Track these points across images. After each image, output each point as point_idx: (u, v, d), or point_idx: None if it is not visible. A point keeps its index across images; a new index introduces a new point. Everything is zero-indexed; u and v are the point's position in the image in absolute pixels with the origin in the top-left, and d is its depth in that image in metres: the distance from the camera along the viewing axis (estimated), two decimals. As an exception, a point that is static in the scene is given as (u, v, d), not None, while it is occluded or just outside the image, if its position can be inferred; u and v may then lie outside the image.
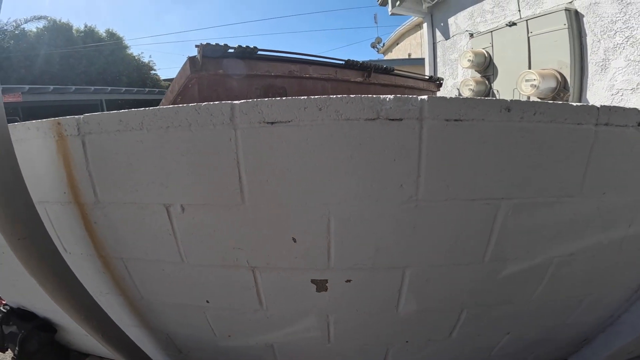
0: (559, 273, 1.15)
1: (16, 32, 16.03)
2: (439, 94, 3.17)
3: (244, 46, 1.31)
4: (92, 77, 17.35)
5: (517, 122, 0.83)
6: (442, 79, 3.13)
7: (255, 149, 0.88)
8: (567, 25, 1.77)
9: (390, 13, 3.86)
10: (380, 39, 14.85)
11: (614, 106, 0.89)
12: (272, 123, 0.86)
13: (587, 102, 1.73)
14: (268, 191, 0.91)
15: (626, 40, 1.58)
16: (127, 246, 1.13)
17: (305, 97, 0.81)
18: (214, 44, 1.27)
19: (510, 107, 0.82)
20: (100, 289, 1.30)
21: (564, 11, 1.80)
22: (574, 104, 0.86)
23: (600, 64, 1.68)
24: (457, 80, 2.85)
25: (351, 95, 0.81)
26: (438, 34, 3.50)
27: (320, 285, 1.10)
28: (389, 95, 0.80)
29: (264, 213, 0.94)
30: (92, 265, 1.24)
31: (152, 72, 22.06)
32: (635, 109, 0.92)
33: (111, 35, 19.16)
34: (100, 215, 1.07)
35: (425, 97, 0.80)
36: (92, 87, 13.65)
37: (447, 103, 0.80)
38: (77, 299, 1.14)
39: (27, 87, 11.53)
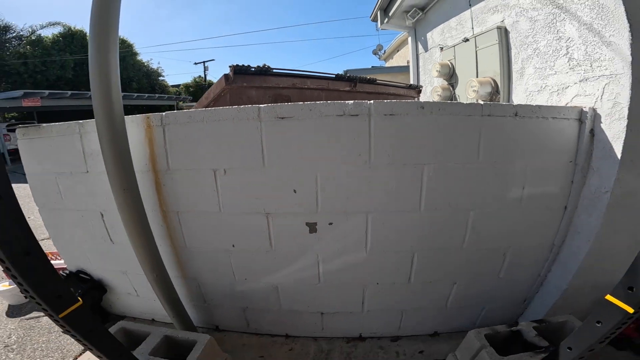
0: (477, 224, 1.64)
1: (32, 37, 16.45)
2: (420, 99, 3.71)
3: (261, 66, 1.88)
4: (104, 83, 17.99)
5: (429, 115, 1.39)
6: (422, 87, 3.69)
7: (272, 133, 1.44)
8: (498, 41, 2.25)
9: (380, 28, 4.45)
10: (382, 46, 15.29)
11: (494, 103, 1.44)
12: (282, 118, 1.42)
13: (512, 102, 2.22)
14: (279, 159, 1.47)
15: (534, 51, 2.01)
16: (183, 201, 1.68)
17: (302, 102, 1.37)
18: (241, 64, 1.85)
19: (424, 105, 1.37)
20: (158, 241, 1.75)
21: (496, 29, 2.31)
22: (466, 102, 1.41)
23: (519, 71, 2.11)
24: (433, 87, 3.40)
25: (328, 101, 1.37)
26: (420, 46, 4.07)
27: (312, 227, 1.63)
28: (350, 101, 1.36)
29: (277, 173, 1.49)
30: (156, 219, 1.77)
31: (161, 78, 22.83)
32: (510, 105, 1.46)
33: (122, 42, 19.90)
34: (168, 179, 1.63)
35: (372, 101, 1.36)
36: (89, 93, 14.14)
37: (384, 104, 1.36)
38: (149, 245, 1.61)
39: (47, 92, 12.22)
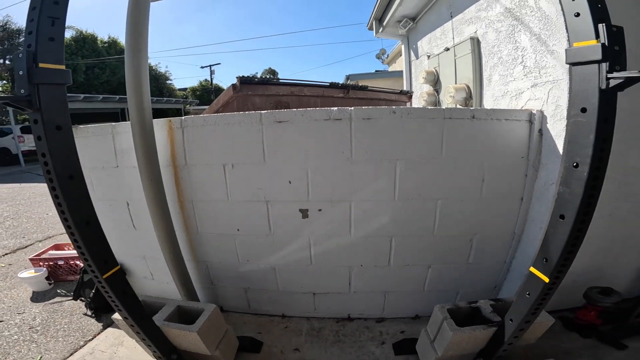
0: (444, 212, 1.90)
1: None
2: (411, 103, 4.01)
3: (263, 77, 2.19)
4: (114, 86, 18.39)
5: (399, 118, 1.69)
6: (412, 92, 3.99)
7: (271, 134, 1.76)
8: (471, 50, 2.47)
9: (375, 37, 4.76)
10: (384, 50, 15.46)
11: (454, 107, 1.74)
12: (280, 122, 1.74)
13: (484, 106, 2.48)
14: (277, 155, 1.79)
15: (499, 60, 2.22)
16: (197, 191, 2.00)
17: (296, 109, 1.69)
18: (246, 76, 2.19)
19: (395, 111, 1.68)
20: (175, 227, 2.03)
21: (469, 40, 2.55)
22: (431, 108, 1.71)
23: (488, 78, 2.32)
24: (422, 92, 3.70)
25: (317, 108, 1.68)
26: (412, 54, 4.37)
27: (304, 213, 1.93)
28: (334, 108, 1.67)
29: (275, 167, 1.81)
30: (173, 208, 2.06)
31: (168, 81, 23.36)
32: (468, 109, 1.76)
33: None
34: (186, 173, 1.95)
35: (352, 107, 1.67)
36: (117, 96, 14.67)
37: (363, 110, 1.67)
38: (169, 230, 1.92)
39: (61, 95, 12.69)
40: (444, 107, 1.70)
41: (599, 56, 0.96)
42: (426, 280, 2.11)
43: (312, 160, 1.78)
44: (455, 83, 2.70)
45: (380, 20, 4.63)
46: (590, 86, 1.01)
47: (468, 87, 2.53)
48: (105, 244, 1.32)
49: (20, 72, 1.00)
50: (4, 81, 17.44)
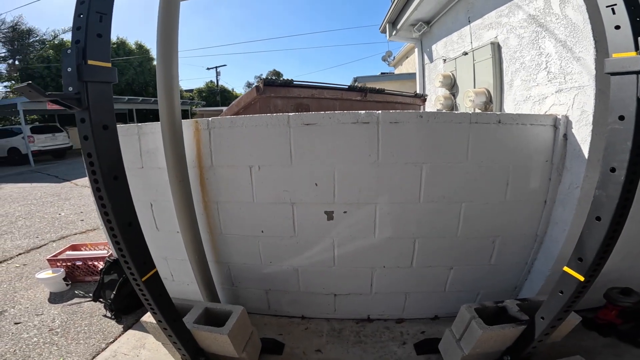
0: (468, 215, 1.92)
1: (55, 41, 17.02)
2: (425, 107, 4.02)
3: (286, 79, 2.24)
4: (122, 87, 18.61)
5: (426, 123, 1.71)
6: (427, 95, 4.00)
7: (298, 137, 1.78)
8: (491, 55, 2.48)
9: (388, 40, 4.79)
10: (391, 52, 15.49)
11: (480, 112, 1.75)
12: (307, 124, 1.76)
13: (504, 111, 2.48)
14: (304, 158, 1.81)
15: (521, 65, 2.23)
16: (222, 193, 2.02)
17: (323, 112, 1.72)
18: (269, 77, 2.18)
19: (422, 115, 1.70)
20: (199, 228, 2.08)
21: (489, 45, 2.56)
22: (457, 112, 1.72)
23: (509, 83, 2.33)
24: (437, 96, 3.72)
25: (344, 111, 1.70)
26: (425, 57, 4.39)
27: (329, 215, 1.95)
28: (362, 111, 1.69)
29: (301, 169, 1.83)
30: (198, 208, 2.08)
31: (175, 82, 23.51)
32: (494, 113, 1.77)
33: (140, 47, 20.65)
34: (211, 174, 1.98)
35: (380, 111, 1.69)
36: (126, 97, 14.84)
37: (390, 114, 1.69)
38: (194, 231, 1.93)
39: (71, 96, 12.83)
40: (470, 112, 1.72)
41: (637, 67, 0.99)
42: (447, 280, 2.12)
43: (338, 162, 1.80)
44: (474, 87, 2.71)
45: (394, 23, 4.66)
46: (628, 95, 1.04)
47: (488, 91, 2.54)
48: (145, 246, 1.32)
49: (69, 69, 0.98)
50: (12, 81, 17.64)
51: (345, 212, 1.92)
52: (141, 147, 2.08)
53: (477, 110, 2.56)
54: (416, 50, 4.59)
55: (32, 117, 18.20)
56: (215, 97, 26.10)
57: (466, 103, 2.60)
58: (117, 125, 2.18)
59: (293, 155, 1.81)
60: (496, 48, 2.54)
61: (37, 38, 17.22)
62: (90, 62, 1.00)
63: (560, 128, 1.83)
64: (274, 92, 2.29)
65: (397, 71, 13.95)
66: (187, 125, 1.92)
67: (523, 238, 2.04)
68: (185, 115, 19.47)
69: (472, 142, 1.77)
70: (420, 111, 1.66)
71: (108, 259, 2.55)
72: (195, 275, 2.06)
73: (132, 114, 16.92)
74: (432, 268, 2.08)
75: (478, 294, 2.21)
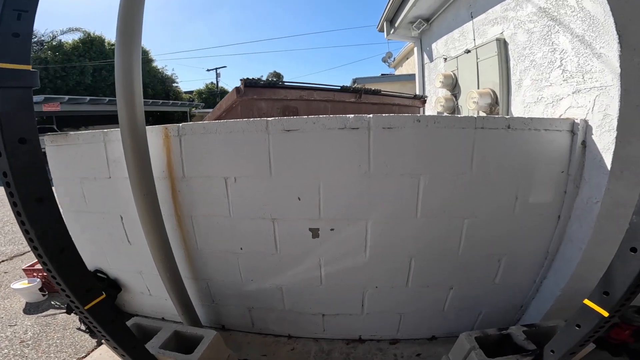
0: (472, 232, 1.71)
1: (53, 43, 16.82)
2: (424, 109, 3.80)
3: (270, 79, 2.00)
4: (120, 90, 18.57)
5: (424, 128, 1.49)
6: (427, 97, 3.77)
7: (279, 144, 1.56)
8: (497, 52, 2.28)
9: (386, 39, 4.57)
10: (391, 53, 15.34)
11: (487, 116, 1.53)
12: (288, 131, 1.54)
13: (512, 114, 2.25)
14: (285, 169, 1.59)
15: (530, 63, 2.03)
16: (196, 206, 1.81)
17: (306, 116, 1.49)
18: (251, 78, 1.99)
19: (420, 119, 1.47)
20: (172, 244, 1.86)
21: (495, 41, 2.35)
22: (459, 115, 1.50)
23: (518, 83, 2.13)
24: (437, 97, 3.49)
25: (330, 116, 1.48)
26: (425, 57, 4.16)
27: (314, 233, 1.73)
28: (351, 115, 1.47)
29: (283, 182, 1.61)
30: (170, 223, 1.89)
31: (175, 84, 23.44)
32: (502, 117, 1.55)
33: (139, 49, 20.51)
34: (184, 185, 1.76)
35: (371, 115, 1.47)
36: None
37: (382, 118, 1.47)
38: (165, 248, 1.74)
39: (66, 97, 12.75)
40: (475, 115, 1.49)
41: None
42: (447, 300, 1.94)
43: (324, 174, 1.58)
44: (478, 88, 2.49)
45: (391, 21, 4.44)
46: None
47: (493, 92, 2.31)
48: (85, 271, 1.14)
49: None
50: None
51: (332, 229, 1.70)
52: (107, 155, 1.87)
53: (482, 113, 2.34)
54: (415, 49, 4.37)
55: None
56: (215, 98, 25.95)
57: (469, 105, 2.38)
58: (82, 132, 2.00)
59: (273, 166, 1.59)
60: (502, 44, 2.31)
61: (36, 39, 17.10)
62: (1, 65, 0.83)
63: (578, 134, 1.60)
64: (257, 93, 2.07)
65: (397, 72, 13.79)
66: (155, 132, 1.71)
67: (532, 256, 1.86)
68: (184, 117, 19.33)
69: (477, 150, 1.54)
70: (418, 115, 1.45)
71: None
72: (169, 293, 1.87)
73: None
74: (429, 288, 1.89)
75: (480, 313, 2.03)
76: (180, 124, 1.65)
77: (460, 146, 1.53)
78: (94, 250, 2.31)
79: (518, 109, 2.17)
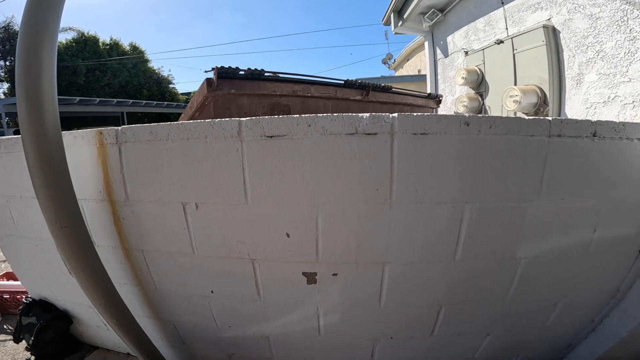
0: (528, 274, 1.26)
1: None
2: (439, 110, 3.32)
3: (253, 69, 1.53)
4: (115, 90, 18.14)
5: (475, 134, 0.99)
6: (442, 96, 3.29)
7: (257, 157, 1.07)
8: (545, 41, 1.87)
9: (393, 32, 4.10)
10: (392, 55, 15.01)
11: (565, 118, 1.04)
12: (271, 137, 1.04)
13: (566, 115, 1.83)
14: (267, 192, 1.09)
15: (597, 54, 1.67)
16: (148, 239, 1.32)
17: (298, 115, 1.00)
18: (227, 66, 1.49)
19: (469, 121, 0.98)
20: (120, 280, 1.48)
21: (542, 28, 1.92)
22: (527, 117, 1.01)
23: (576, 78, 1.76)
24: (455, 96, 3.00)
25: (334, 114, 0.99)
26: (438, 51, 3.68)
27: (310, 278, 1.25)
28: (365, 114, 0.97)
29: (263, 210, 1.11)
30: (116, 257, 1.43)
31: (171, 85, 23.00)
32: (588, 121, 1.06)
33: (134, 48, 20.11)
34: (129, 212, 1.27)
35: (395, 114, 0.97)
36: (115, 100, 14.24)
37: (413, 119, 0.97)
38: (101, 286, 1.30)
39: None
40: (549, 118, 1.00)
41: None
42: (480, 348, 1.55)
43: (324, 201, 1.08)
44: (515, 84, 2.00)
45: (400, 12, 3.95)
46: None
47: (540, 89, 1.82)
48: None
49: None
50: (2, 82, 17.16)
51: (335, 274, 1.22)
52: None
53: (522, 115, 1.85)
54: (426, 43, 3.89)
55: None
56: (212, 100, 25.42)
57: (507, 105, 1.88)
58: (3, 138, 1.52)
59: (249, 189, 1.09)
60: (550, 32, 1.82)
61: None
62: None
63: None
64: (236, 87, 1.55)
65: (397, 74, 13.47)
66: (87, 138, 1.22)
67: (598, 296, 1.47)
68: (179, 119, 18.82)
69: (549, 166, 1.06)
70: (467, 116, 0.95)
71: (27, 298, 2.05)
72: (121, 338, 1.45)
73: (123, 118, 16.29)
74: (461, 335, 1.49)
75: (517, 356, 1.66)
76: (120, 127, 1.15)
77: (525, 161, 1.04)
78: (35, 279, 1.89)
79: (577, 111, 1.68)
